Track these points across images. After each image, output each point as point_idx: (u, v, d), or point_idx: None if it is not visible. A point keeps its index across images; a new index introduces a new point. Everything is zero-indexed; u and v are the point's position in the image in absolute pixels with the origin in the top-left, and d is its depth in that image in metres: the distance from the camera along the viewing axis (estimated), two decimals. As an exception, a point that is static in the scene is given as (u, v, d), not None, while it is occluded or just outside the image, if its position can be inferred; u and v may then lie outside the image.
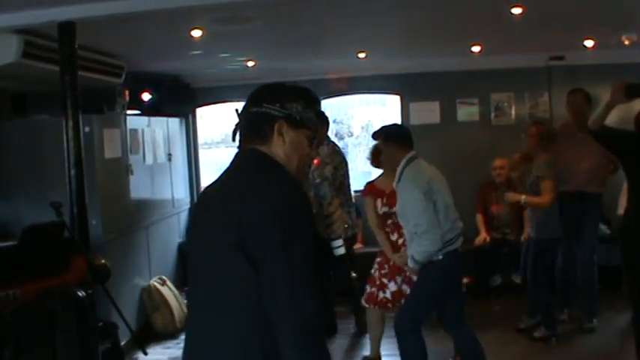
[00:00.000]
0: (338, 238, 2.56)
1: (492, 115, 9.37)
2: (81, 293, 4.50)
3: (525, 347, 6.62)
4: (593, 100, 7.04)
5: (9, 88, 7.50)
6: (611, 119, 5.48)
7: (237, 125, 2.57)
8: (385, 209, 5.96)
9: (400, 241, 5.85)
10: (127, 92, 8.05)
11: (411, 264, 5.22)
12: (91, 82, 6.67)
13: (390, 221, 5.96)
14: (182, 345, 2.59)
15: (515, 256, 7.75)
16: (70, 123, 5.30)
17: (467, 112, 9.38)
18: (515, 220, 8.10)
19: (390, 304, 5.93)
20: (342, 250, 2.56)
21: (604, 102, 5.32)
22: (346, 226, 2.63)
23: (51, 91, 5.87)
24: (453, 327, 5.46)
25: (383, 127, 5.56)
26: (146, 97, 8.80)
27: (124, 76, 7.51)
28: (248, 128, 2.53)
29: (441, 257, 5.12)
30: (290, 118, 2.48)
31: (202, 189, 2.78)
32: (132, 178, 7.58)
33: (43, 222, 4.64)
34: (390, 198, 5.79)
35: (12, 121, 7.69)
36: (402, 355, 5.29)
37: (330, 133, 10.33)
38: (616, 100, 5.14)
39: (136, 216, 7.81)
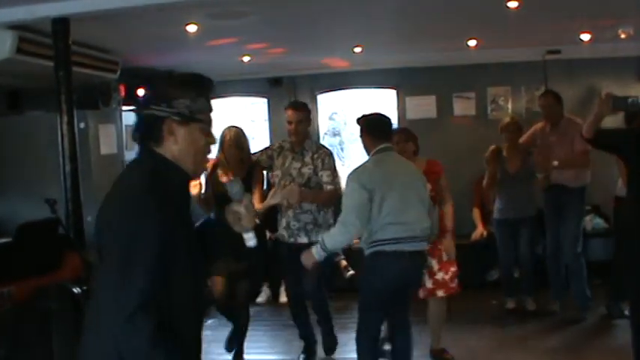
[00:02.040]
0: (248, 231, 2.67)
1: (489, 109, 9.36)
2: (76, 290, 4.48)
3: (520, 342, 6.60)
4: (592, 93, 7.08)
5: (3, 84, 7.48)
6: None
7: (134, 126, 2.57)
8: None
9: None
10: (122, 88, 8.03)
11: (316, 249, 5.06)
12: (85, 77, 6.65)
13: None
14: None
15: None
16: (65, 118, 5.29)
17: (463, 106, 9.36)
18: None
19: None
20: (253, 242, 2.69)
21: (594, 110, 5.33)
22: (257, 220, 2.70)
23: (45, 87, 5.85)
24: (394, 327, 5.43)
25: (364, 116, 5.50)
26: (141, 92, 8.76)
27: (119, 72, 7.49)
28: (140, 129, 2.52)
29: (368, 254, 5.03)
30: (178, 116, 2.45)
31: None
32: (128, 175, 7.55)
33: (38, 219, 4.62)
34: None
35: (6, 117, 7.67)
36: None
37: (326, 128, 10.40)
38: (603, 111, 5.19)
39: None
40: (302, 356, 6.27)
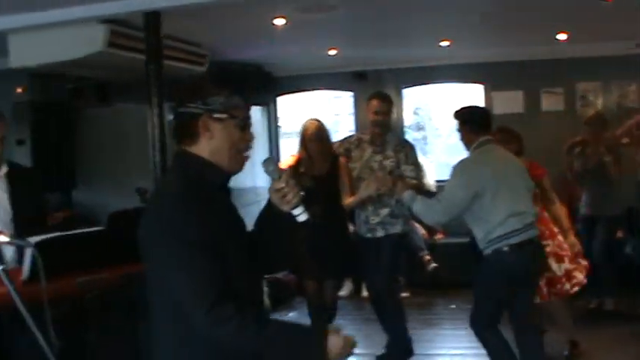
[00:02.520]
0: (296, 207, 2.61)
1: (578, 105, 9.14)
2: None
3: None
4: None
5: (95, 77, 7.66)
6: None
7: (170, 125, 2.60)
8: None
9: None
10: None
11: (408, 194, 5.07)
12: (174, 70, 6.75)
13: None
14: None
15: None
16: (155, 111, 5.38)
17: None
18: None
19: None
20: (304, 217, 2.64)
21: None
22: (302, 193, 2.64)
23: (135, 79, 5.96)
24: (515, 328, 5.27)
25: (462, 108, 5.44)
26: (228, 85, 8.86)
27: (207, 65, 7.58)
28: (177, 130, 2.55)
29: (489, 252, 4.92)
30: (213, 112, 2.47)
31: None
32: (214, 166, 7.65)
33: (129, 208, 4.72)
34: None
35: (97, 109, 7.86)
36: (487, 351, 5.18)
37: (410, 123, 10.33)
38: None
39: (218, 203, 7.89)
40: (384, 350, 6.21)
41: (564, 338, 6.04)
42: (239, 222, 2.64)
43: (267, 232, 2.71)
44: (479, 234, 4.98)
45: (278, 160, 2.63)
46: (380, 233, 5.92)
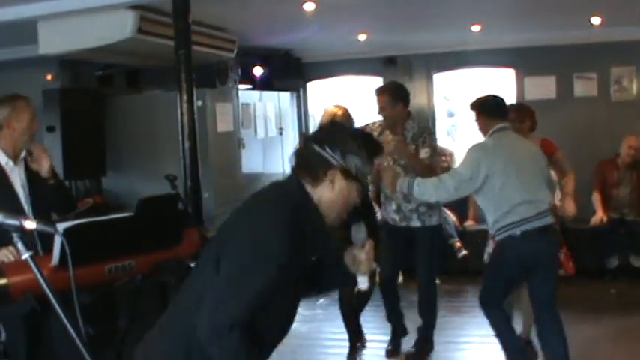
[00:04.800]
0: (364, 275, 2.71)
1: (612, 90, 8.98)
2: (194, 265, 4.54)
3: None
4: None
5: (124, 63, 7.67)
6: None
7: (296, 151, 2.63)
8: None
9: None
10: (238, 67, 8.12)
11: (404, 181, 5.06)
12: (203, 56, 6.74)
13: None
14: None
15: (635, 238, 7.43)
16: (185, 97, 5.36)
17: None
18: (636, 200, 7.78)
19: None
20: (365, 285, 2.74)
21: None
22: (374, 266, 2.82)
23: (165, 66, 5.96)
24: (537, 311, 5.20)
25: (476, 99, 5.39)
26: (257, 71, 8.86)
27: (235, 51, 7.56)
28: (303, 162, 2.57)
29: (501, 238, 4.94)
30: (345, 170, 2.51)
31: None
32: (243, 152, 7.67)
33: (159, 194, 4.71)
34: None
35: (127, 95, 7.87)
36: (490, 324, 5.19)
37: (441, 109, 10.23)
38: None
39: (248, 190, 7.87)
40: (389, 346, 6.18)
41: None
42: (308, 262, 2.63)
43: (323, 276, 2.77)
44: (489, 220, 5.02)
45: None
46: (416, 223, 5.84)
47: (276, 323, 2.50)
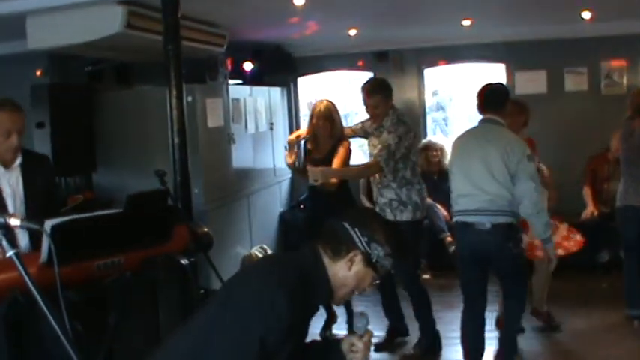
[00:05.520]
0: None
1: (602, 84, 8.99)
2: (184, 261, 4.53)
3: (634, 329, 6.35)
4: None
5: (113, 58, 7.63)
6: None
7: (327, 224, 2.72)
8: None
9: None
10: (228, 62, 8.08)
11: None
12: (193, 51, 6.71)
13: None
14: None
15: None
16: (174, 92, 5.33)
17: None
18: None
19: None
20: None
21: None
22: (369, 358, 2.81)
23: (154, 61, 5.92)
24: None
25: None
26: (248, 66, 8.83)
27: (225, 46, 7.53)
28: (330, 235, 2.68)
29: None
30: (367, 256, 2.62)
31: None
32: (234, 147, 7.64)
33: (148, 190, 4.69)
34: None
35: (116, 91, 7.83)
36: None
37: (432, 105, 10.22)
38: None
39: (238, 185, 7.88)
40: (381, 340, 6.20)
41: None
42: (304, 334, 2.72)
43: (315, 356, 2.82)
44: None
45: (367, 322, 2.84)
46: (389, 216, 5.84)
47: None
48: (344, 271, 2.62)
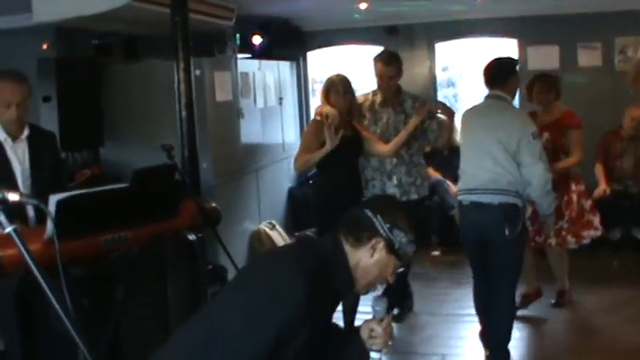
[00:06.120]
0: (377, 350, 2.69)
1: (616, 60, 8.86)
2: (191, 237, 4.48)
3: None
4: None
5: (120, 32, 7.56)
6: None
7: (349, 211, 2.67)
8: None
9: None
10: (237, 35, 8.00)
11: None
12: (201, 25, 6.63)
13: None
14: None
15: (638, 210, 7.36)
16: (182, 65, 5.28)
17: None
18: (639, 172, 7.70)
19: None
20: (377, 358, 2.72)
21: None
22: (390, 343, 2.77)
23: (162, 34, 5.86)
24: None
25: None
26: (257, 40, 8.74)
27: (234, 19, 7.45)
28: (351, 222, 2.63)
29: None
30: (389, 242, 2.57)
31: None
32: (242, 122, 7.58)
33: (155, 164, 4.63)
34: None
35: (124, 65, 7.76)
36: None
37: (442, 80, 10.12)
38: None
39: (246, 160, 7.82)
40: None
41: (555, 287, 6.34)
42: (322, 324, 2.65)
43: (334, 345, 2.75)
44: None
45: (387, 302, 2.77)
46: (414, 196, 5.81)
47: None
48: (366, 258, 2.56)
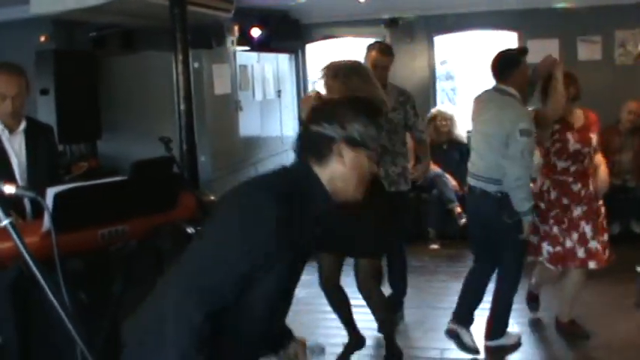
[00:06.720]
0: None
1: (616, 54, 8.84)
2: (190, 230, 4.46)
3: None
4: None
5: (119, 23, 7.53)
6: None
7: (297, 136, 2.54)
8: (577, 146, 5.42)
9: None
10: (236, 28, 7.98)
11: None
12: (200, 17, 6.61)
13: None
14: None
15: (636, 204, 7.33)
16: (180, 57, 5.26)
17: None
18: (638, 166, 7.69)
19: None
20: None
21: None
22: None
23: (160, 27, 5.83)
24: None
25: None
26: (255, 32, 8.72)
27: (233, 12, 7.42)
28: (305, 144, 2.48)
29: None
30: (349, 139, 2.41)
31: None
32: (241, 115, 7.56)
33: (153, 157, 4.61)
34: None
35: (122, 56, 7.74)
36: None
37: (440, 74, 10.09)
38: None
39: (245, 153, 7.80)
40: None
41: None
42: (303, 251, 2.54)
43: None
44: None
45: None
46: (403, 187, 5.76)
47: (260, 309, 2.38)
48: (339, 167, 2.42)
